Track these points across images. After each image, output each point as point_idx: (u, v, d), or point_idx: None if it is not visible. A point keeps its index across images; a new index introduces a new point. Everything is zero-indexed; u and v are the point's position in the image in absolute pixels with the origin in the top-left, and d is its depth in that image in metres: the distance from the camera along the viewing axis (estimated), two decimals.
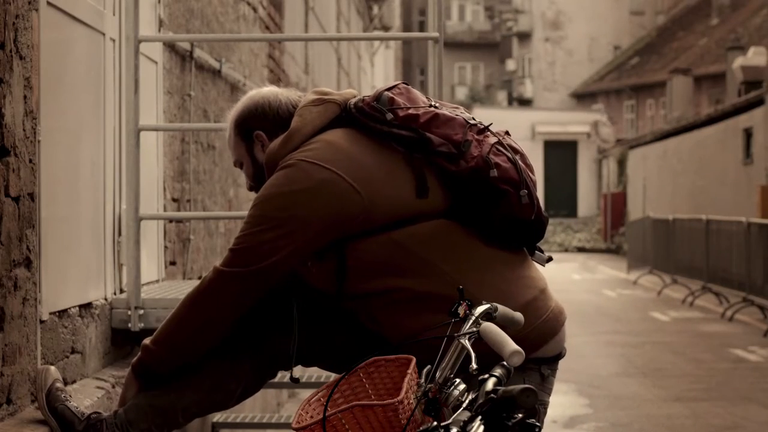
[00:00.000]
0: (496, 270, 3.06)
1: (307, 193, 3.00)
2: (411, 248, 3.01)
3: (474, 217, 3.07)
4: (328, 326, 3.22)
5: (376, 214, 3.00)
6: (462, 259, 3.03)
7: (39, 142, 3.59)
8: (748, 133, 22.15)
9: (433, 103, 3.16)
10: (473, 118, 3.17)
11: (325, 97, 3.21)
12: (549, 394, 3.14)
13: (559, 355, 3.16)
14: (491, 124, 3.20)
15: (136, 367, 3.24)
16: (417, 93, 3.19)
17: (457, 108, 3.19)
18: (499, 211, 3.06)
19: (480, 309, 2.59)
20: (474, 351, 2.45)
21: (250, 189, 3.32)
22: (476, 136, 3.10)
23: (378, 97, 3.13)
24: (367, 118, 3.11)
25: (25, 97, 3.47)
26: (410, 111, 3.10)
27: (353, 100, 3.18)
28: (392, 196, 3.02)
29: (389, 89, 3.16)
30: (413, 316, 2.97)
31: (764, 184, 20.27)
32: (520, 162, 3.11)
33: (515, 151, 3.15)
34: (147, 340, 3.24)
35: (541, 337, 3.05)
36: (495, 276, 3.04)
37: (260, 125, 3.25)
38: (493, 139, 3.12)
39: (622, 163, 35.97)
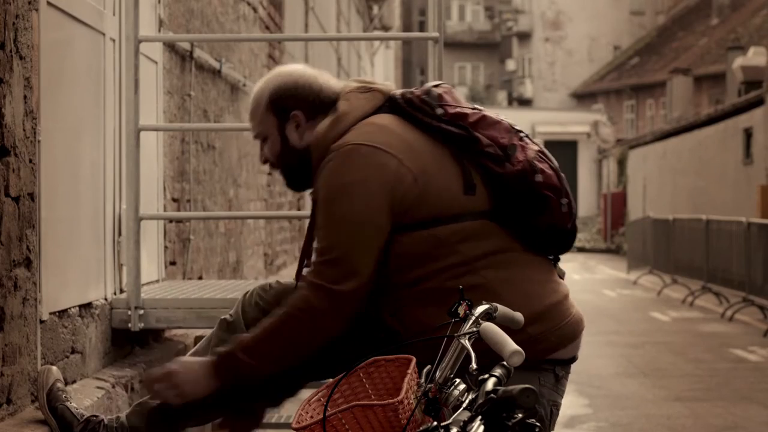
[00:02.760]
0: (525, 273, 3.07)
1: (373, 180, 2.97)
2: (453, 246, 3.00)
3: (513, 221, 3.08)
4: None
5: (425, 205, 2.99)
6: (498, 261, 3.04)
7: (39, 142, 3.59)
8: (748, 133, 22.15)
9: (476, 106, 3.18)
10: (515, 125, 3.19)
11: (371, 85, 3.19)
12: (561, 396, 3.13)
13: (573, 359, 3.16)
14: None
15: (222, 371, 3.06)
16: (460, 95, 3.21)
17: (496, 114, 3.20)
18: (541, 219, 3.08)
19: (480, 309, 2.59)
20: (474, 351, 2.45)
21: (265, 162, 3.28)
22: (520, 142, 3.12)
23: (428, 91, 3.13)
24: (416, 111, 3.10)
25: (25, 97, 3.47)
26: (458, 109, 3.11)
27: (399, 91, 3.18)
28: (442, 189, 3.02)
29: (436, 86, 3.17)
30: (438, 311, 2.93)
31: (764, 184, 20.27)
32: (558, 169, 3.15)
33: (551, 158, 3.18)
34: (240, 352, 3.05)
35: (561, 340, 3.06)
36: (524, 279, 3.06)
37: (298, 105, 3.18)
38: (535, 147, 3.15)
39: (622, 163, 35.97)
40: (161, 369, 3.09)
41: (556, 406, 3.09)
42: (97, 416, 3.24)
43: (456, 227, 3.01)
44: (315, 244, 3.07)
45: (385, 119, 3.09)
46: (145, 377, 3.21)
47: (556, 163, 3.16)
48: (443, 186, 3.02)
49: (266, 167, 8.61)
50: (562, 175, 3.16)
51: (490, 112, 3.16)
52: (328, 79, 3.23)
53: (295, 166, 3.21)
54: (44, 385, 3.31)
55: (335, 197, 3.00)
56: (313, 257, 3.06)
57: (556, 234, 3.13)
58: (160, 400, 3.12)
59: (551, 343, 3.02)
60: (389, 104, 3.14)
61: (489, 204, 3.06)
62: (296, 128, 3.18)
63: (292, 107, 3.17)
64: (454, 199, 3.02)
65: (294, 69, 3.26)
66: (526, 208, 3.06)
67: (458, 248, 3.00)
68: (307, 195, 11.90)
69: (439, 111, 3.09)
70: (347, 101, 3.13)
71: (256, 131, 3.25)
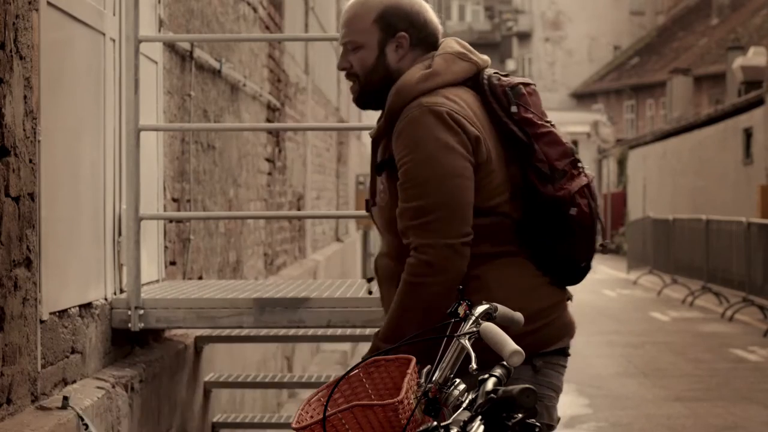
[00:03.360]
0: (523, 276, 3.10)
1: (465, 144, 3.00)
2: (481, 242, 3.03)
3: (534, 240, 3.11)
4: None
5: (479, 190, 3.02)
6: (502, 263, 3.07)
7: (39, 142, 3.59)
8: (748, 133, 22.15)
9: (548, 119, 3.19)
10: (576, 152, 3.22)
11: (471, 55, 3.20)
12: (550, 387, 3.11)
13: (562, 351, 3.15)
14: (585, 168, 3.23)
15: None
16: (541, 102, 3.22)
17: (564, 137, 3.21)
18: (559, 247, 3.12)
19: (480, 309, 2.59)
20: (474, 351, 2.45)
21: (343, 70, 3.24)
22: (572, 170, 3.14)
23: (514, 86, 3.15)
24: (494, 99, 3.13)
25: (25, 97, 3.47)
26: (530, 116, 3.13)
27: (489, 71, 3.20)
28: (497, 187, 3.06)
29: (525, 85, 3.18)
30: None
31: (764, 184, 20.27)
32: (596, 209, 3.18)
33: (593, 197, 3.20)
34: (383, 343, 3.00)
35: (547, 340, 3.07)
36: (521, 280, 3.09)
37: (408, 30, 3.18)
38: (583, 180, 3.16)
39: (622, 163, 35.98)
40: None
41: (546, 399, 3.09)
42: None
43: (485, 221, 3.04)
44: (406, 204, 3.03)
45: (469, 98, 3.11)
46: None
47: (596, 201, 3.20)
48: (498, 182, 3.06)
49: (266, 166, 8.60)
50: (599, 216, 3.20)
51: (559, 132, 3.18)
52: (433, 16, 3.26)
53: (375, 85, 3.20)
54: None
55: (434, 154, 3.00)
56: (410, 220, 3.01)
57: (569, 266, 3.17)
58: None
59: (536, 340, 3.03)
60: (475, 79, 3.17)
61: (519, 214, 3.09)
62: (396, 49, 3.18)
63: (402, 28, 3.18)
64: (502, 199, 3.06)
65: None
66: (550, 233, 3.10)
67: (482, 243, 3.03)
68: (308, 191, 11.81)
69: (514, 109, 3.12)
70: (444, 62, 3.15)
71: (350, 38, 3.20)
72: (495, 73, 3.20)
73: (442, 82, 3.10)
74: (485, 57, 3.27)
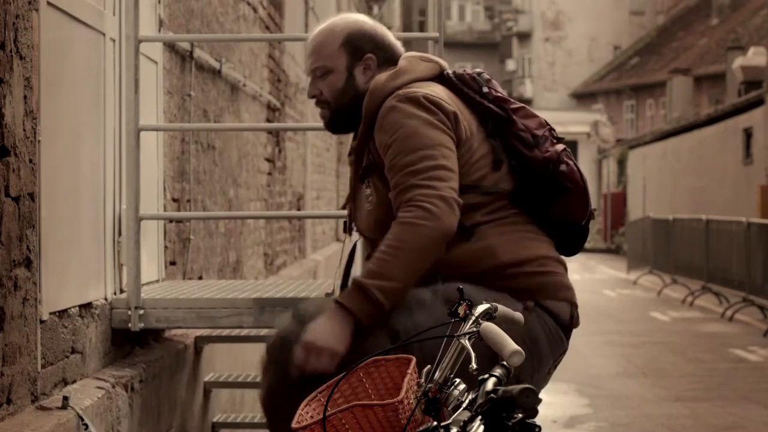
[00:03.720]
0: (521, 231, 3.23)
1: (444, 122, 3.15)
2: (471, 213, 3.16)
3: (531, 206, 3.25)
4: None
5: (462, 171, 3.15)
6: (499, 223, 3.19)
7: (39, 142, 3.59)
8: (748, 133, 22.15)
9: (515, 101, 3.38)
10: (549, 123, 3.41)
11: (430, 57, 3.40)
12: (526, 335, 3.08)
13: (560, 322, 3.21)
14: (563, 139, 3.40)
15: (356, 303, 3.06)
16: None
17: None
18: (556, 209, 3.26)
19: (480, 309, 2.59)
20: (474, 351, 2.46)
21: (313, 97, 3.36)
22: (551, 137, 3.32)
23: (478, 73, 3.35)
24: (465, 85, 3.29)
25: (25, 97, 3.47)
26: (501, 94, 3.32)
27: (449, 69, 3.37)
28: (478, 159, 3.20)
29: (481, 74, 3.38)
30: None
31: (764, 184, 20.27)
32: (582, 173, 3.35)
33: (574, 160, 3.37)
34: (367, 278, 3.07)
35: (541, 288, 3.19)
36: (518, 234, 3.22)
37: (374, 51, 3.33)
38: (562, 146, 3.34)
39: (622, 163, 35.98)
40: (298, 349, 3.06)
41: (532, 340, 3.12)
42: None
43: (479, 198, 3.19)
44: (399, 173, 3.12)
45: (438, 88, 3.26)
46: (296, 364, 3.08)
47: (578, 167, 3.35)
48: (479, 159, 3.20)
49: (266, 166, 8.60)
50: (585, 176, 3.35)
51: (530, 108, 3.37)
52: (395, 39, 3.42)
53: (346, 107, 3.32)
54: None
55: (418, 129, 3.13)
56: (404, 182, 3.11)
57: (567, 227, 3.30)
58: (320, 373, 3.01)
59: (533, 284, 3.16)
60: (440, 77, 3.33)
61: (511, 185, 3.23)
62: (364, 71, 3.32)
63: (369, 50, 3.32)
64: (484, 174, 3.20)
65: (366, 18, 3.43)
66: (546, 193, 3.24)
67: (473, 215, 3.17)
68: (308, 191, 11.82)
69: (485, 89, 3.29)
70: (408, 62, 3.30)
71: (319, 64, 3.33)
72: (458, 68, 3.42)
73: (409, 79, 3.25)
74: (436, 57, 3.45)
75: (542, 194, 3.24)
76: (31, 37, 3.53)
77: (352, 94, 3.30)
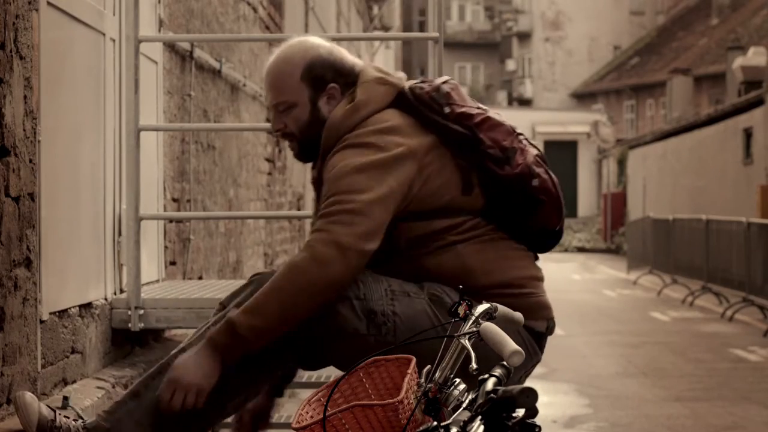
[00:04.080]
0: (498, 249, 3.20)
1: (391, 163, 3.06)
2: (445, 236, 3.14)
3: (505, 220, 3.20)
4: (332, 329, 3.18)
5: (426, 199, 3.11)
6: (477, 242, 3.16)
7: (39, 142, 3.59)
8: (748, 133, 22.14)
9: (480, 105, 3.28)
10: (516, 128, 3.31)
11: (388, 78, 3.25)
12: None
13: (536, 334, 3.22)
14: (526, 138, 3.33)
15: (222, 342, 2.98)
16: (464, 92, 3.31)
17: (498, 114, 3.30)
18: (530, 220, 3.22)
19: (480, 309, 2.59)
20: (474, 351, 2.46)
21: (278, 131, 3.26)
22: (520, 145, 3.23)
23: (437, 88, 3.22)
24: (424, 107, 3.19)
25: (25, 97, 3.47)
26: (464, 109, 3.20)
27: (409, 84, 3.26)
28: (443, 187, 3.14)
29: (444, 83, 3.26)
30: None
31: (764, 184, 20.26)
32: (554, 177, 3.29)
33: (547, 163, 3.32)
34: (241, 315, 2.97)
35: (523, 309, 3.14)
36: (495, 252, 3.19)
37: (336, 79, 3.22)
38: (534, 151, 3.27)
39: (622, 163, 35.97)
40: (163, 386, 2.99)
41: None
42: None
43: (451, 222, 3.14)
44: (324, 199, 3.09)
45: (396, 117, 3.17)
46: (160, 401, 3.00)
47: (551, 172, 3.30)
48: (444, 186, 3.13)
49: (266, 166, 8.60)
50: (556, 180, 3.30)
51: (494, 113, 3.25)
52: (350, 56, 3.30)
53: (314, 138, 3.22)
54: (29, 424, 2.94)
55: (362, 168, 3.05)
56: (323, 209, 3.06)
57: (544, 235, 3.27)
58: (185, 409, 2.97)
59: (511, 306, 3.10)
60: (398, 98, 3.22)
61: (482, 203, 3.18)
62: (328, 101, 3.22)
63: (330, 80, 3.21)
64: (452, 197, 3.14)
65: (321, 42, 3.28)
66: (520, 209, 3.19)
67: (448, 237, 3.14)
68: (308, 191, 11.82)
69: (447, 110, 3.18)
70: (366, 91, 3.19)
71: (280, 99, 3.21)
72: (414, 84, 3.26)
73: (367, 113, 3.16)
74: (400, 75, 3.32)
75: (516, 209, 3.19)
76: (31, 37, 3.53)
77: (320, 125, 3.19)
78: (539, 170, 3.22)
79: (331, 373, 3.58)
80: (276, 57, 3.24)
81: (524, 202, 3.18)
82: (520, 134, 3.26)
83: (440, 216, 3.12)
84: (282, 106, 3.22)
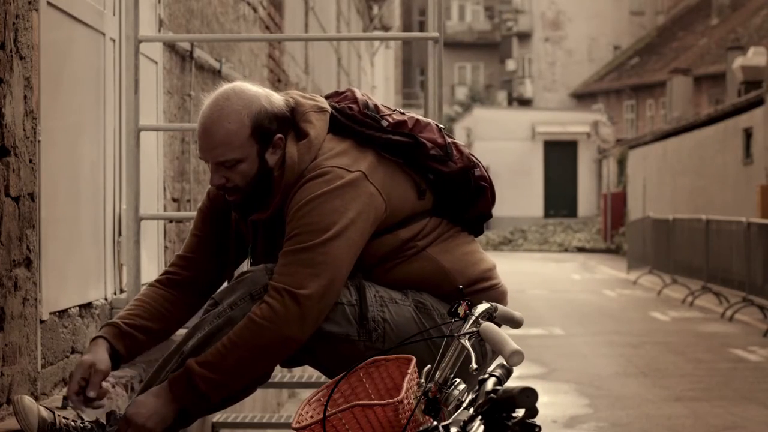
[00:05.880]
0: (460, 246, 3.30)
1: (353, 197, 3.08)
2: (413, 241, 3.21)
3: (452, 212, 3.31)
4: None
5: (391, 216, 3.16)
6: (441, 241, 3.26)
7: (39, 142, 3.59)
8: (748, 133, 22.15)
9: (397, 109, 3.35)
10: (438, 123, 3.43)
11: (320, 104, 3.26)
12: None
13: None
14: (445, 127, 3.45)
15: (179, 391, 3.06)
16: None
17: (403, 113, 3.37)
18: (477, 206, 3.35)
19: (480, 309, 2.60)
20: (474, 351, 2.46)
21: (221, 187, 3.18)
22: (450, 140, 3.34)
23: (366, 105, 3.27)
24: (363, 127, 3.22)
25: (25, 97, 3.47)
26: (396, 117, 3.27)
27: (329, 105, 3.27)
28: (402, 199, 3.20)
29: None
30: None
31: (764, 184, 20.26)
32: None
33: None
34: (198, 367, 3.05)
35: (496, 300, 3.22)
36: (460, 250, 3.29)
37: (281, 129, 3.18)
38: (459, 141, 3.40)
39: (622, 163, 35.97)
40: (122, 421, 3.05)
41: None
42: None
43: (415, 227, 3.21)
44: (291, 240, 3.09)
45: (339, 143, 3.19)
46: None
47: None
48: (401, 196, 3.20)
49: None
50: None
51: (416, 115, 3.35)
52: (274, 93, 3.26)
53: (258, 188, 3.18)
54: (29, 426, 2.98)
55: (317, 206, 3.06)
56: (284, 262, 3.06)
57: (482, 219, 3.41)
58: None
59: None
60: (331, 122, 3.24)
61: (432, 202, 3.27)
62: (275, 151, 3.17)
63: (275, 131, 3.17)
64: (411, 206, 3.22)
65: (255, 90, 3.21)
66: (467, 200, 3.31)
67: (418, 243, 3.21)
68: None
69: (385, 123, 3.23)
70: (311, 124, 3.19)
71: (228, 157, 3.13)
72: (333, 105, 3.27)
73: (318, 145, 3.16)
74: (319, 98, 3.31)
75: (463, 201, 3.31)
76: (31, 37, 3.53)
77: (266, 175, 3.16)
78: (474, 159, 3.36)
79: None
80: (216, 112, 3.15)
81: (470, 193, 3.31)
82: (441, 128, 3.37)
83: (405, 225, 3.19)
84: (229, 163, 3.13)
